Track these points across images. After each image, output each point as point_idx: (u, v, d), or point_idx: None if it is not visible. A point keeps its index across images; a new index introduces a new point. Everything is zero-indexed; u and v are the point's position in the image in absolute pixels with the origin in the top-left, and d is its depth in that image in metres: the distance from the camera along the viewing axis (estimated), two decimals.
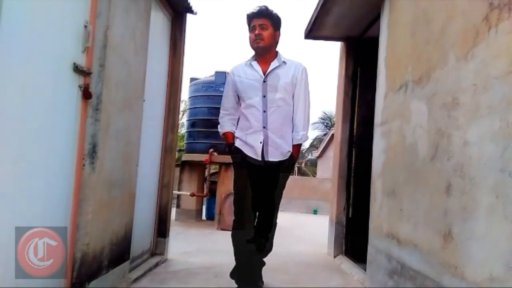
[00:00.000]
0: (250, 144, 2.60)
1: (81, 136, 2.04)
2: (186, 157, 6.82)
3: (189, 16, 3.86)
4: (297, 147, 2.68)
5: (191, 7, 3.70)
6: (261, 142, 2.58)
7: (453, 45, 1.92)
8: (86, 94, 2.02)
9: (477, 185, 1.66)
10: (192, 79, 7.04)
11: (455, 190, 1.81)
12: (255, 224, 2.64)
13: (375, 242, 2.86)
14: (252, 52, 2.71)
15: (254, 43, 2.62)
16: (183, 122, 11.22)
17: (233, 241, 2.65)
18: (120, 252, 2.48)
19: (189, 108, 6.91)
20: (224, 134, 2.73)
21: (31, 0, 1.63)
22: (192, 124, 6.69)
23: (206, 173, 6.82)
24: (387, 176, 2.71)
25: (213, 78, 6.47)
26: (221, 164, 6.51)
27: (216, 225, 6.25)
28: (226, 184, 6.22)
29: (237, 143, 2.65)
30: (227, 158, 5.90)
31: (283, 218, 3.37)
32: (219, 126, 2.77)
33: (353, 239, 4.20)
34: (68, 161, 1.98)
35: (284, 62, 2.66)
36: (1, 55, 1.47)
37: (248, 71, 2.67)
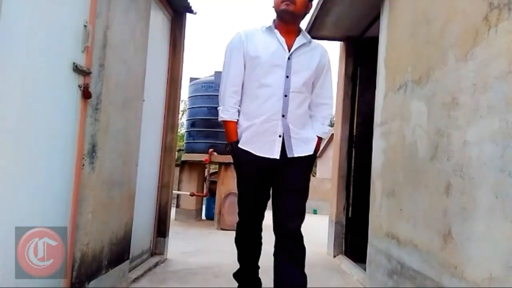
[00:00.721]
0: (265, 139, 2.05)
1: (80, 136, 2.04)
2: (185, 156, 6.83)
3: (188, 16, 3.87)
4: (320, 141, 2.19)
5: (190, 7, 3.71)
6: (280, 136, 2.04)
7: (453, 45, 1.92)
8: (86, 94, 2.02)
9: (476, 185, 1.66)
10: (191, 79, 7.05)
11: (455, 190, 1.81)
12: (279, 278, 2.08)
13: (375, 242, 2.86)
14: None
15: (282, 4, 2.04)
16: (182, 122, 11.23)
17: (237, 245, 2.35)
18: (119, 252, 2.48)
19: (189, 108, 6.93)
20: (228, 124, 2.11)
21: (31, 0, 1.63)
22: (192, 124, 6.70)
23: (206, 173, 6.83)
24: (387, 176, 2.71)
25: (212, 78, 6.48)
26: (220, 164, 6.51)
27: (215, 225, 6.26)
28: (226, 184, 6.23)
29: (243, 142, 2.07)
30: (227, 158, 5.91)
31: None
32: (221, 110, 2.13)
33: (353, 239, 4.21)
34: (68, 161, 1.98)
35: (309, 41, 2.17)
36: (1, 55, 1.47)
37: (267, 39, 2.11)
